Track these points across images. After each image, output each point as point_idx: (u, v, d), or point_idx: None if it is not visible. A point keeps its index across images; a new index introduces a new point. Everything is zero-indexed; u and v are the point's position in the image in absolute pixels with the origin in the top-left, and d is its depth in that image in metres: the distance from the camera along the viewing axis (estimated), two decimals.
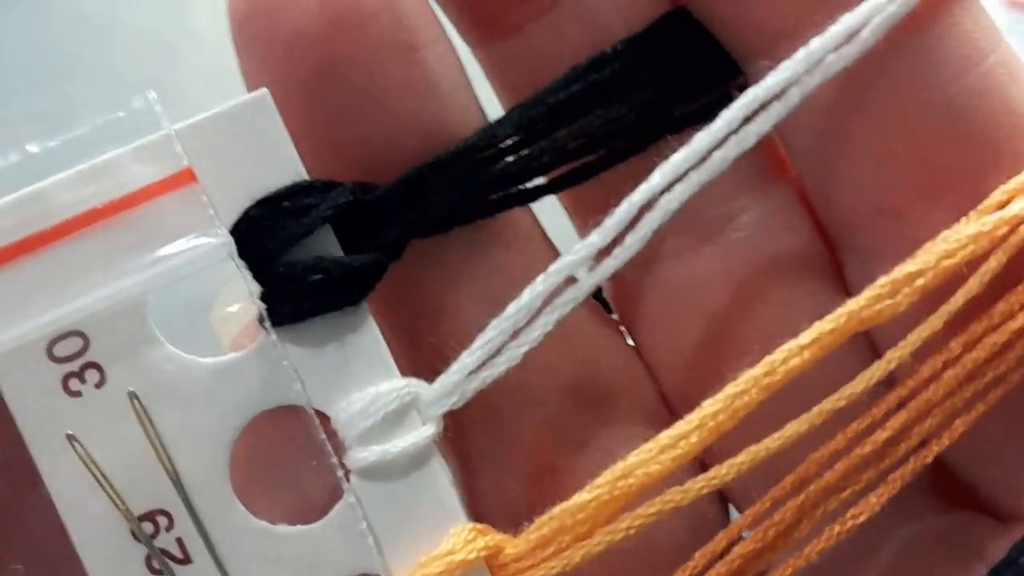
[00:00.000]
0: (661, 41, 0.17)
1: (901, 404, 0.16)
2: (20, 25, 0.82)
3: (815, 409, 0.16)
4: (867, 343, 0.18)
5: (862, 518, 0.16)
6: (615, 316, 0.20)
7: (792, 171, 0.19)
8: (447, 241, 0.17)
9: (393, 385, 0.16)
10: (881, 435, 0.16)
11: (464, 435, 0.19)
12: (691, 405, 0.16)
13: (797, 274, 0.18)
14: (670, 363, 0.19)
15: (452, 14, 0.18)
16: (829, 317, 0.15)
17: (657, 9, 0.18)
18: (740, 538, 0.17)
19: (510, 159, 0.17)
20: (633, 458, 0.15)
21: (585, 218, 0.17)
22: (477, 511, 0.18)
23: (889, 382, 0.17)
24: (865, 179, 0.17)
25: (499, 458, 0.19)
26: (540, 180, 0.18)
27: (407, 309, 0.18)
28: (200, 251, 0.16)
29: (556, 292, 0.16)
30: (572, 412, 0.19)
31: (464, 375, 0.16)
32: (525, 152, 0.17)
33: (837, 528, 0.16)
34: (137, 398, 0.16)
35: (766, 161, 0.18)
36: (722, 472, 0.16)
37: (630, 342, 0.20)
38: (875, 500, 0.16)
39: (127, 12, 0.87)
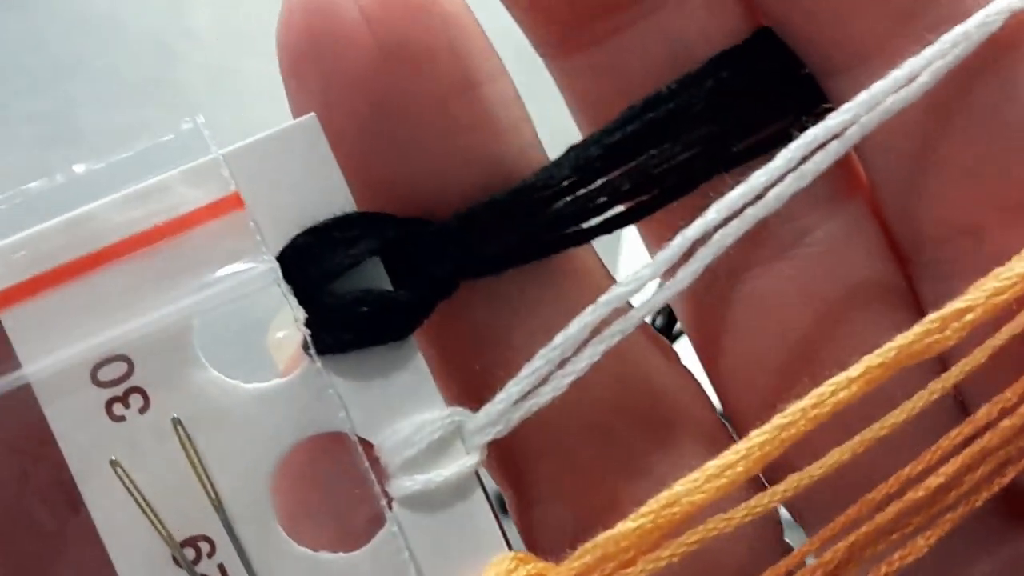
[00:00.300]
0: (743, 63, 0.17)
1: (977, 432, 0.17)
2: (20, 25, 0.82)
3: (868, 429, 0.16)
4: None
5: (933, 539, 0.16)
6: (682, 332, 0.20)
7: (865, 187, 0.19)
8: (507, 274, 0.17)
9: (438, 414, 0.16)
10: (956, 462, 0.16)
11: (522, 464, 0.19)
12: (760, 424, 0.16)
13: (871, 292, 0.18)
14: (742, 380, 0.19)
15: (529, 27, 0.18)
16: (878, 351, 0.16)
17: (740, 25, 0.18)
18: (803, 564, 0.17)
19: (566, 200, 0.17)
20: (679, 487, 0.15)
21: (659, 243, 0.17)
22: (532, 541, 0.18)
23: (964, 409, 0.17)
24: (946, 197, 0.17)
25: (559, 487, 0.18)
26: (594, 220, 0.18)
27: (462, 339, 0.18)
28: (246, 276, 0.16)
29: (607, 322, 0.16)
30: (633, 440, 0.18)
31: (510, 404, 0.16)
32: (581, 192, 0.17)
33: (908, 552, 0.16)
34: (181, 424, 0.16)
35: (840, 177, 0.18)
36: (764, 501, 0.16)
37: (695, 363, 0.20)
38: (947, 523, 0.16)
39: (127, 12, 0.87)
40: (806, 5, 0.17)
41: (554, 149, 0.18)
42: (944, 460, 0.17)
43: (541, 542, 0.17)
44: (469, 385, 0.17)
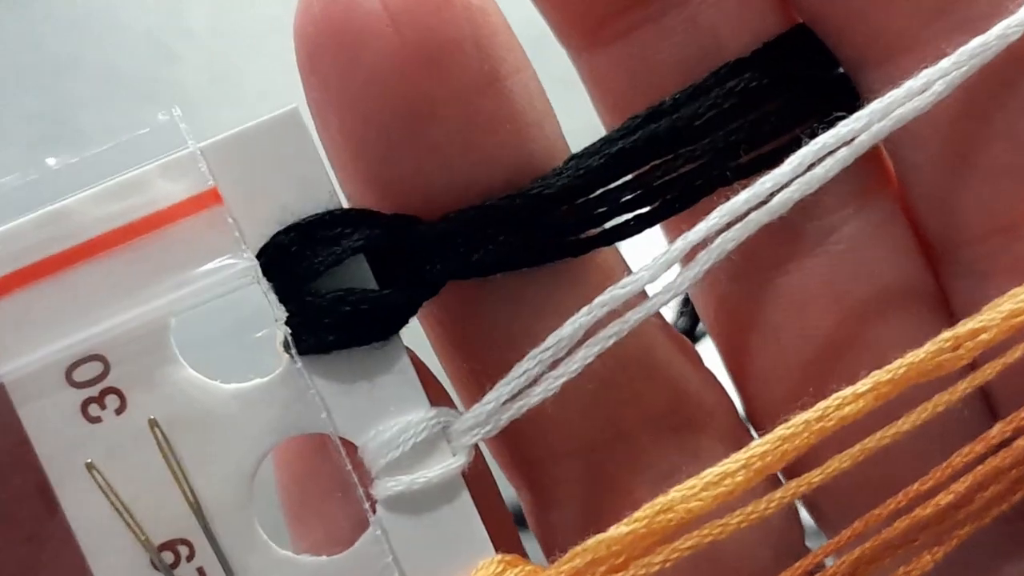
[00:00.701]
0: (768, 64, 0.17)
1: (989, 451, 0.16)
2: (20, 25, 0.82)
3: (869, 438, 0.15)
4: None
5: (939, 555, 0.16)
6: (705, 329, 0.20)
7: (895, 185, 0.18)
8: (526, 274, 0.17)
9: (423, 415, 0.16)
10: (966, 480, 0.16)
11: (540, 467, 0.18)
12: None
13: (898, 290, 0.18)
14: (765, 379, 0.19)
15: (555, 20, 0.17)
16: (888, 368, 0.15)
17: (771, 20, 0.17)
18: (822, 566, 0.17)
19: (564, 208, 0.16)
20: (674, 493, 0.15)
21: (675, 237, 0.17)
22: (550, 545, 0.18)
23: (993, 414, 0.17)
24: (980, 195, 0.17)
25: (577, 490, 0.18)
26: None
27: (474, 338, 0.17)
28: (225, 274, 0.16)
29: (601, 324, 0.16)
30: (654, 443, 0.18)
31: (499, 405, 0.16)
32: (580, 201, 0.16)
33: (913, 567, 0.16)
34: (158, 426, 0.16)
35: (869, 175, 0.18)
36: (760, 507, 0.15)
37: (717, 365, 0.19)
38: (955, 539, 0.16)
39: (127, 12, 0.86)
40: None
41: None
42: (955, 477, 0.16)
43: (559, 545, 0.17)
44: (474, 383, 0.17)
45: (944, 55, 0.16)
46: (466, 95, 0.16)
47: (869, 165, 0.18)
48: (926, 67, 0.16)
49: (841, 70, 0.18)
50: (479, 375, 0.17)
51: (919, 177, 0.18)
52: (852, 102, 0.17)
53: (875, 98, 0.16)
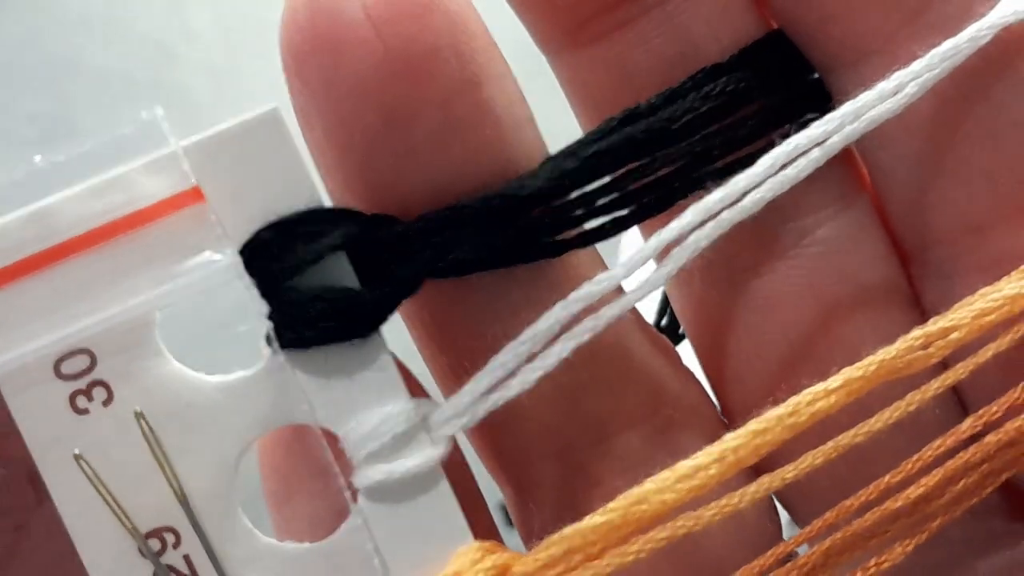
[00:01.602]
0: (752, 65, 0.17)
1: (959, 445, 0.17)
2: (21, 25, 0.82)
3: (843, 435, 0.16)
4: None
5: (910, 546, 0.16)
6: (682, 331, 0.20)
7: (869, 187, 0.19)
8: (504, 273, 0.17)
9: (403, 406, 0.16)
10: (937, 474, 0.16)
11: (521, 465, 0.18)
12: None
13: (874, 293, 0.18)
14: (741, 380, 0.19)
15: (531, 21, 0.18)
16: (859, 364, 0.16)
17: (748, 23, 0.17)
18: (794, 554, 0.17)
19: (539, 209, 0.17)
20: (649, 484, 0.15)
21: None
22: (532, 542, 0.18)
23: (964, 409, 0.17)
24: (952, 196, 0.17)
25: (558, 489, 0.18)
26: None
27: (454, 336, 0.18)
28: (208, 270, 0.16)
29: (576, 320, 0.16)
30: (635, 442, 0.18)
31: (476, 396, 0.16)
32: (556, 204, 0.17)
33: (884, 559, 0.16)
34: (144, 417, 0.16)
35: (844, 178, 0.18)
36: (734, 500, 0.16)
37: (694, 360, 0.20)
38: (926, 532, 0.16)
39: (127, 13, 0.87)
40: (812, 2, 0.17)
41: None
42: (926, 471, 0.17)
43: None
44: (454, 380, 0.17)
45: (914, 58, 0.16)
46: (445, 100, 0.16)
47: (843, 168, 0.18)
48: (897, 69, 0.16)
49: (816, 75, 0.18)
50: (459, 372, 0.17)
51: (890, 178, 0.18)
52: (826, 106, 0.17)
53: (847, 100, 0.17)
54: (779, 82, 0.17)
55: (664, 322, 0.29)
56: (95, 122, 0.76)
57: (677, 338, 0.26)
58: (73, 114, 0.78)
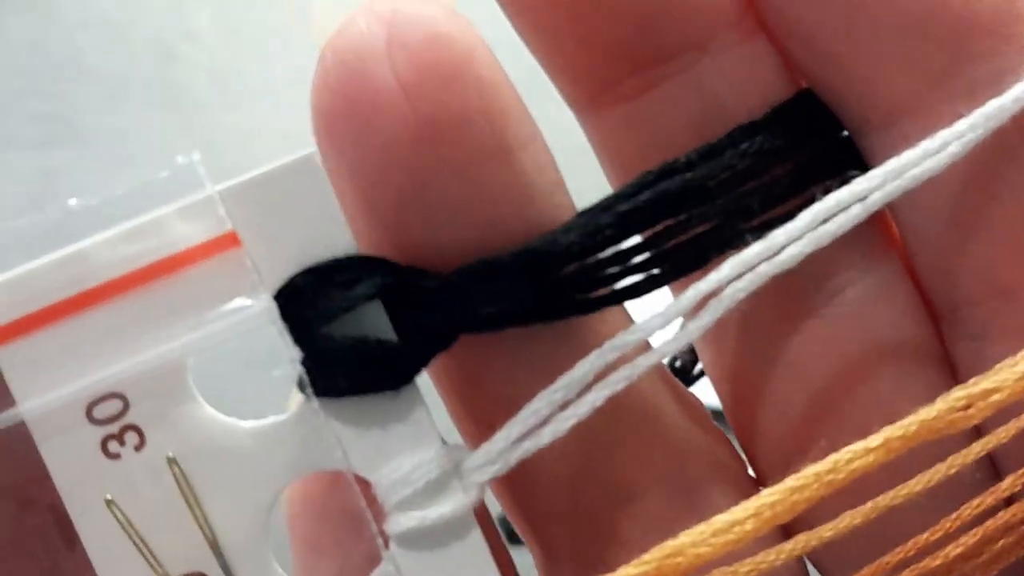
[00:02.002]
0: (774, 128, 0.17)
1: (999, 504, 0.17)
2: (21, 26, 0.82)
3: (883, 496, 0.16)
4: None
5: None
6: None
7: (900, 246, 0.18)
8: (536, 329, 0.17)
9: (435, 452, 0.16)
10: (976, 533, 0.16)
11: (544, 524, 0.18)
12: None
13: (902, 354, 0.18)
14: (768, 438, 0.19)
15: (559, 81, 0.18)
16: (899, 424, 0.15)
17: (777, 84, 0.17)
18: None
19: (573, 266, 0.17)
20: (684, 537, 0.15)
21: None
22: None
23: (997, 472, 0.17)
24: (981, 257, 0.17)
25: (581, 549, 0.18)
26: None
27: (482, 390, 0.18)
28: (242, 315, 0.16)
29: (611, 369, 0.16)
30: (659, 502, 0.18)
31: (508, 443, 0.16)
32: (590, 260, 0.17)
33: None
34: (176, 462, 0.16)
35: (874, 237, 0.18)
36: (770, 557, 0.16)
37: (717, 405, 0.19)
38: None
39: (129, 15, 0.87)
40: (843, 63, 0.17)
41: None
42: (965, 530, 0.17)
43: None
44: (480, 435, 0.17)
45: (943, 121, 0.16)
46: (475, 165, 0.16)
47: (873, 227, 0.18)
48: (930, 131, 0.16)
49: (846, 133, 0.18)
50: (486, 426, 0.17)
51: (920, 238, 0.18)
52: (858, 164, 0.17)
53: (878, 163, 0.17)
54: (810, 141, 0.17)
55: (680, 361, 0.29)
56: (96, 123, 0.76)
57: (691, 379, 0.26)
58: (73, 115, 0.77)
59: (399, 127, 0.15)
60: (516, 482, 0.17)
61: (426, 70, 0.15)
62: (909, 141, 0.16)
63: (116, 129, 0.74)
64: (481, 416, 0.18)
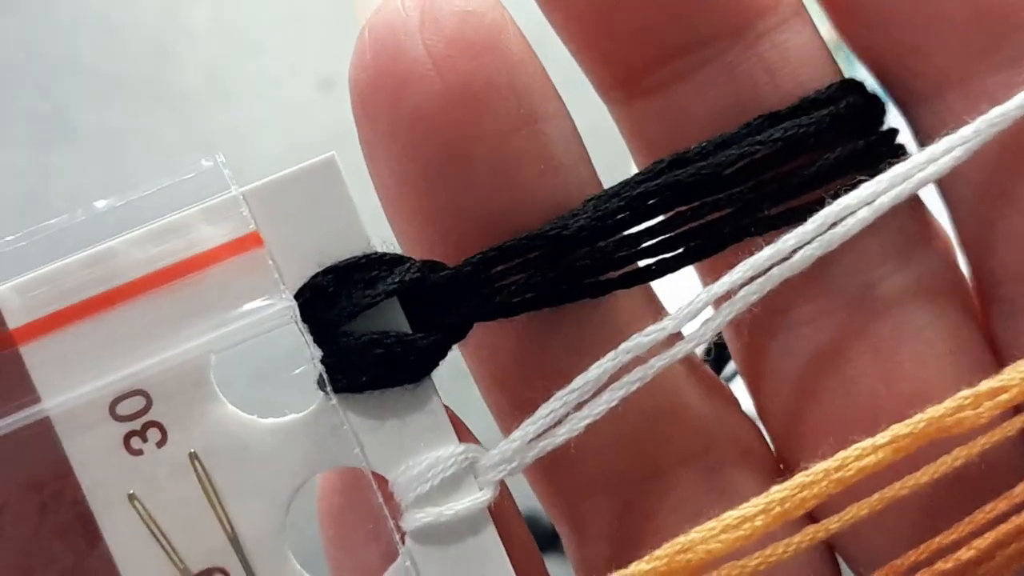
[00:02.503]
0: (814, 113, 0.17)
1: (1012, 509, 0.17)
2: (18, 26, 0.82)
3: (889, 488, 0.16)
4: None
5: None
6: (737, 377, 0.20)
7: (942, 240, 0.19)
8: (557, 311, 0.17)
9: (452, 450, 0.17)
10: (988, 537, 0.16)
11: (576, 503, 0.19)
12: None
13: (938, 347, 0.18)
14: (796, 430, 0.19)
15: (590, 71, 0.18)
16: (907, 421, 0.16)
17: (812, 70, 0.18)
18: None
19: (584, 250, 0.17)
20: (694, 534, 0.16)
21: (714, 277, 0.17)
22: None
23: None
24: (1020, 231, 0.17)
25: (612, 528, 0.19)
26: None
27: (510, 372, 0.18)
28: (264, 314, 0.16)
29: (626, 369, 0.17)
30: (688, 483, 0.18)
31: (524, 443, 0.17)
32: (600, 244, 0.17)
33: None
34: (198, 458, 0.16)
35: (911, 231, 0.18)
36: (779, 551, 0.16)
37: (750, 405, 0.20)
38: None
39: (125, 13, 0.87)
40: (890, 32, 0.17)
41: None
42: (977, 534, 0.17)
43: None
44: (510, 416, 0.18)
45: (988, 93, 0.17)
46: (502, 135, 0.17)
47: (911, 222, 0.18)
48: (974, 105, 0.17)
49: (884, 128, 0.18)
50: (515, 408, 0.17)
51: (964, 212, 0.18)
52: (891, 158, 0.18)
53: (927, 137, 0.17)
54: (843, 132, 0.18)
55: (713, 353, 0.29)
56: (92, 122, 0.76)
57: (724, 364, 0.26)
58: (70, 114, 0.77)
59: (430, 98, 0.16)
60: (545, 462, 0.17)
61: (456, 45, 0.16)
62: (955, 114, 0.17)
63: (112, 128, 0.74)
64: (511, 395, 0.18)
